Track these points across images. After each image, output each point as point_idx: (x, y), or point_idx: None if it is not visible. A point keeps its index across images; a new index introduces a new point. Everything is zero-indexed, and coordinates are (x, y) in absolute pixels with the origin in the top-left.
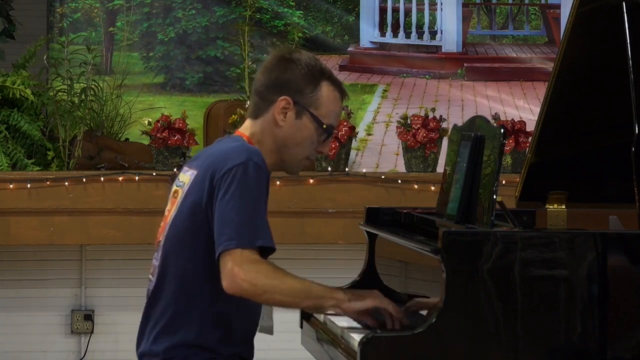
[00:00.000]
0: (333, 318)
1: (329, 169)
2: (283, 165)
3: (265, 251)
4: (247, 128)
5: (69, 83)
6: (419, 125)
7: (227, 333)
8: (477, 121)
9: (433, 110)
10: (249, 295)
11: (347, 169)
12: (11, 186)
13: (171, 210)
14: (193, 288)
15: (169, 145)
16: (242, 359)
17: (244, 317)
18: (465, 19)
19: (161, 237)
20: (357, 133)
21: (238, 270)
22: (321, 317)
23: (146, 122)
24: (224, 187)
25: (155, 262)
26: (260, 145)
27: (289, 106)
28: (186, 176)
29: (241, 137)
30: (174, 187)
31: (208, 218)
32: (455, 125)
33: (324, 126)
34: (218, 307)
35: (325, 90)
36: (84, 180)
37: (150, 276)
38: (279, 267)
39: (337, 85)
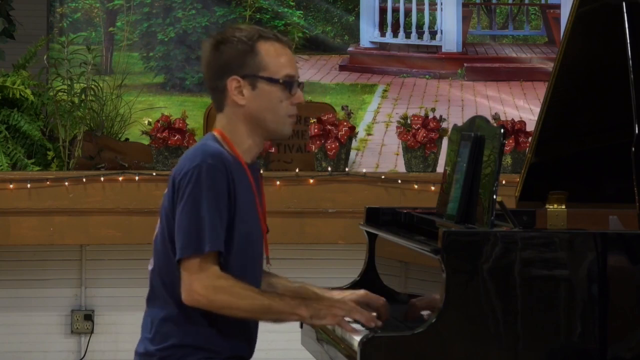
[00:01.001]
0: None
1: (329, 169)
2: (271, 135)
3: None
4: (218, 122)
5: (69, 83)
6: (419, 125)
7: (224, 332)
8: (477, 121)
9: (433, 110)
10: (207, 309)
11: (347, 169)
12: (11, 186)
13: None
14: None
15: (169, 145)
16: (240, 357)
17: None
18: (465, 19)
19: (153, 242)
20: (357, 133)
21: (196, 285)
22: None
23: (146, 122)
24: (180, 192)
25: (150, 267)
26: (234, 133)
27: (240, 83)
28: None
29: (212, 134)
30: None
31: None
32: (455, 125)
33: (280, 81)
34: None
35: (263, 49)
36: (84, 180)
37: (149, 280)
38: (239, 282)
39: (272, 38)
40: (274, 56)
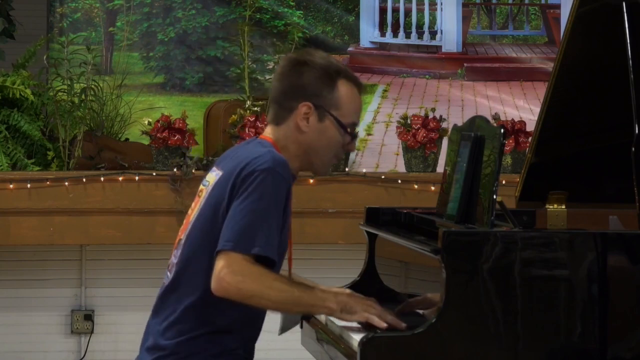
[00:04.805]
0: (333, 318)
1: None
2: (311, 167)
3: (266, 261)
4: (271, 133)
5: (69, 83)
6: (419, 125)
7: (238, 327)
8: (477, 121)
9: (433, 110)
10: (236, 299)
11: (347, 169)
12: (11, 186)
13: (194, 209)
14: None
15: (169, 145)
16: (249, 353)
17: (256, 311)
18: (465, 19)
19: (183, 235)
20: (357, 133)
21: (226, 273)
22: (322, 317)
23: (146, 122)
24: (242, 190)
25: (174, 260)
26: (284, 150)
27: (310, 111)
28: (212, 176)
29: (269, 142)
30: (200, 186)
31: None
32: (455, 125)
33: (348, 129)
34: (234, 303)
35: (343, 88)
36: (84, 180)
37: (168, 272)
38: (270, 272)
39: (353, 80)
40: (349, 100)
